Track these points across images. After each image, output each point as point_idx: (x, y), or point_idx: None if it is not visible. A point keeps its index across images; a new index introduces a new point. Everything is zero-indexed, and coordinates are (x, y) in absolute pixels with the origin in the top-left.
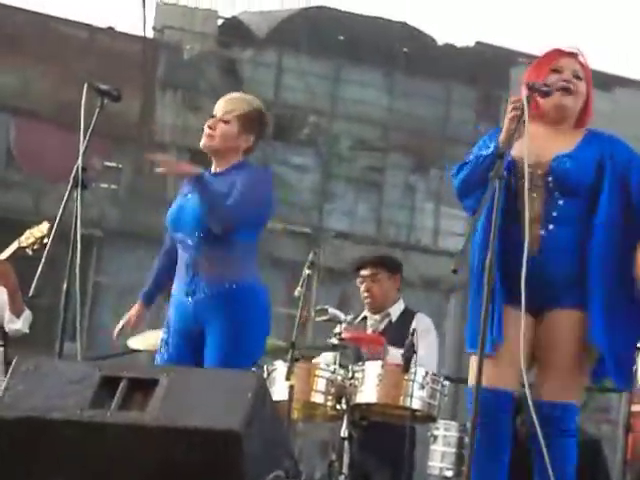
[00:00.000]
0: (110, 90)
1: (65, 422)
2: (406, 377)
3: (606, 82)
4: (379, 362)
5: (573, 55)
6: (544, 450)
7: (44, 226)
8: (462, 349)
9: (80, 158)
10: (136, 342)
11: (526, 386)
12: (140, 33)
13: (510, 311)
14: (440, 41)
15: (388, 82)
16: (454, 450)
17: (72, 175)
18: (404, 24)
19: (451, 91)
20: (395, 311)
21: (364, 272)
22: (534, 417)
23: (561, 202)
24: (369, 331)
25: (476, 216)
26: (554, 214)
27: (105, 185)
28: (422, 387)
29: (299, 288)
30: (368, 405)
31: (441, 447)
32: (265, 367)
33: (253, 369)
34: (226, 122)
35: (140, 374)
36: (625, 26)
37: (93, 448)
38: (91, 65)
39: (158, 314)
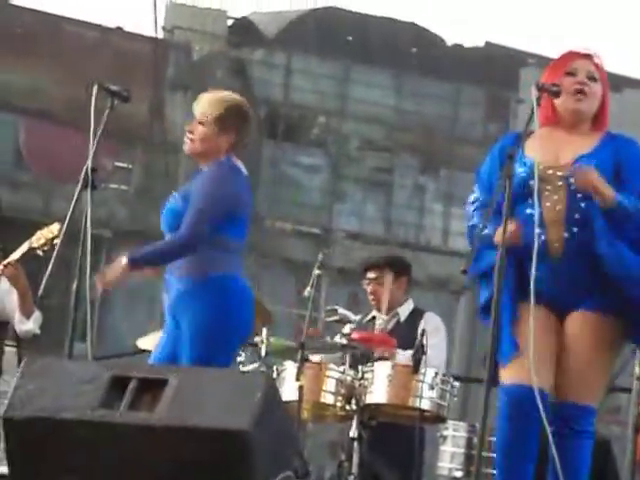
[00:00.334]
0: (120, 91)
1: (75, 422)
2: (416, 378)
3: (615, 83)
4: (389, 363)
5: (588, 57)
6: (553, 449)
7: (55, 227)
8: (471, 349)
9: (90, 159)
10: (145, 342)
11: (534, 386)
12: (149, 33)
13: (536, 311)
14: (449, 41)
15: (397, 82)
16: (463, 451)
17: (82, 176)
18: (413, 24)
19: (460, 91)
20: (404, 311)
21: (370, 274)
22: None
23: (583, 204)
24: (377, 331)
25: (487, 217)
26: (576, 216)
27: (115, 185)
28: (432, 388)
29: (309, 288)
30: (378, 405)
31: (450, 448)
32: (275, 367)
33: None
34: (203, 125)
35: (150, 374)
36: (634, 27)
37: (103, 448)
38: (101, 65)
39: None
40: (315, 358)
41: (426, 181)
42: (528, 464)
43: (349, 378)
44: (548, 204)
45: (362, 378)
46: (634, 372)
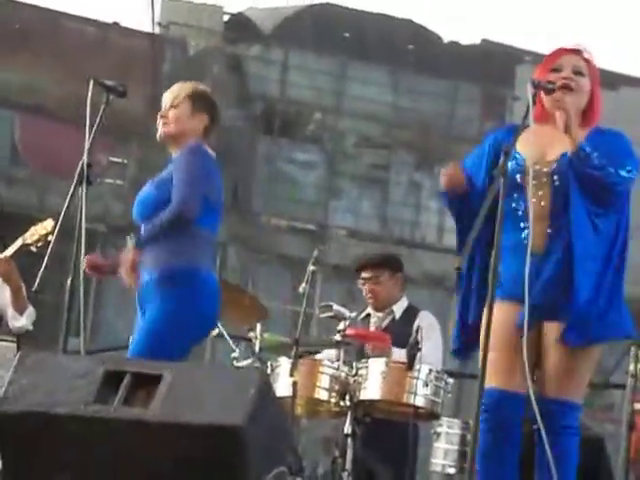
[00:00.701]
0: (116, 86)
1: (69, 417)
2: (410, 374)
3: (611, 81)
4: (383, 359)
5: (576, 52)
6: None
7: (49, 223)
8: None
9: (85, 154)
10: None
11: (529, 384)
12: (144, 29)
13: (514, 309)
14: (446, 39)
15: (393, 79)
16: (457, 447)
17: (77, 171)
18: (410, 21)
19: (456, 89)
20: (399, 309)
21: (366, 274)
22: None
23: (567, 200)
24: (372, 328)
25: (480, 214)
26: (560, 213)
27: (110, 180)
28: (426, 384)
29: (304, 285)
30: (372, 402)
31: (444, 444)
32: (269, 363)
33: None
34: (176, 107)
35: (144, 369)
36: (631, 24)
37: (96, 443)
38: (97, 61)
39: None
40: (316, 356)
41: (422, 178)
42: (505, 468)
43: (343, 374)
44: (534, 200)
45: (356, 374)
46: (628, 369)
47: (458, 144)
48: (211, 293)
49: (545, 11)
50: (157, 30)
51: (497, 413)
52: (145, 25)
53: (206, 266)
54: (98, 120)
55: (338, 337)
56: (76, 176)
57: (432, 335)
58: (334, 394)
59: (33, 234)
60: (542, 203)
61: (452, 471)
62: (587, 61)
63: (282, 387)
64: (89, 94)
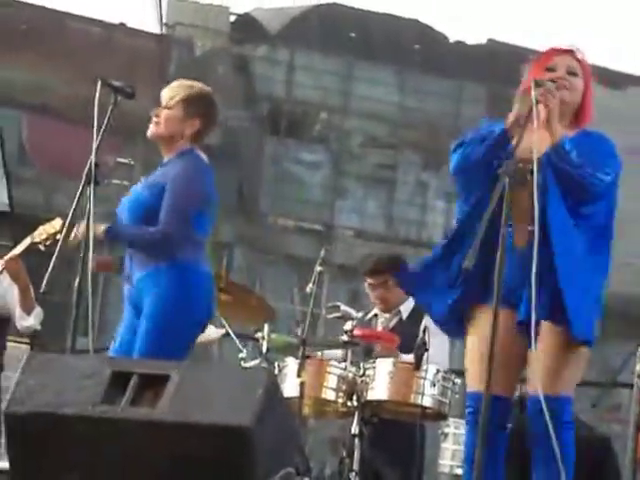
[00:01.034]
0: (124, 87)
1: (76, 417)
2: (417, 374)
3: (618, 80)
4: (390, 359)
5: (569, 52)
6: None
7: (57, 222)
8: None
9: (93, 154)
10: None
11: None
12: (150, 29)
13: (500, 312)
14: (452, 39)
15: (400, 79)
16: (464, 448)
17: (85, 171)
18: (416, 21)
19: (462, 88)
20: (406, 309)
21: (373, 280)
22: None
23: (548, 198)
24: (379, 328)
25: (485, 217)
26: (542, 210)
27: (117, 181)
28: (433, 385)
29: (310, 285)
30: (379, 402)
31: (452, 445)
32: (276, 363)
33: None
34: (170, 108)
35: (151, 370)
36: (637, 24)
37: (104, 443)
38: (103, 61)
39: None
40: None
41: (428, 178)
42: (490, 469)
43: (350, 374)
44: (518, 196)
45: (364, 375)
46: (635, 369)
47: None
48: (201, 287)
49: (551, 11)
50: (163, 31)
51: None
52: (151, 26)
53: (203, 262)
54: (106, 121)
55: (346, 337)
56: (84, 176)
57: (439, 333)
58: (341, 394)
59: (41, 233)
60: (525, 200)
61: (460, 472)
62: (580, 61)
63: (289, 387)
64: (97, 94)
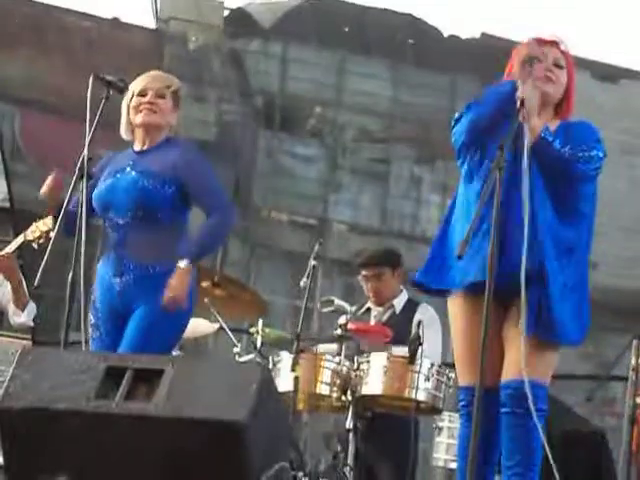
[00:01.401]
0: (116, 81)
1: (71, 412)
2: (411, 369)
3: (612, 74)
4: (384, 353)
5: (554, 43)
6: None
7: (49, 220)
8: None
9: (86, 149)
10: None
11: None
12: (144, 24)
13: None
14: (445, 33)
15: (394, 73)
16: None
17: (78, 166)
18: (410, 16)
19: (457, 82)
20: (399, 302)
21: (367, 272)
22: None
23: (534, 189)
24: (373, 322)
25: (478, 208)
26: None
27: None
28: (427, 379)
29: (304, 279)
30: (373, 397)
31: (446, 439)
32: (271, 358)
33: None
34: (164, 98)
35: (145, 364)
36: (632, 18)
37: (98, 438)
38: (96, 56)
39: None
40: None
41: (422, 172)
42: (485, 466)
43: (345, 369)
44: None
45: (358, 369)
46: (630, 363)
47: None
48: (193, 288)
49: (544, 5)
50: (157, 25)
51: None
52: (145, 20)
53: None
54: (98, 115)
55: (339, 331)
56: (77, 170)
57: (432, 327)
58: (335, 389)
59: (34, 230)
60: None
61: (454, 466)
62: (564, 53)
63: (284, 382)
64: (89, 89)
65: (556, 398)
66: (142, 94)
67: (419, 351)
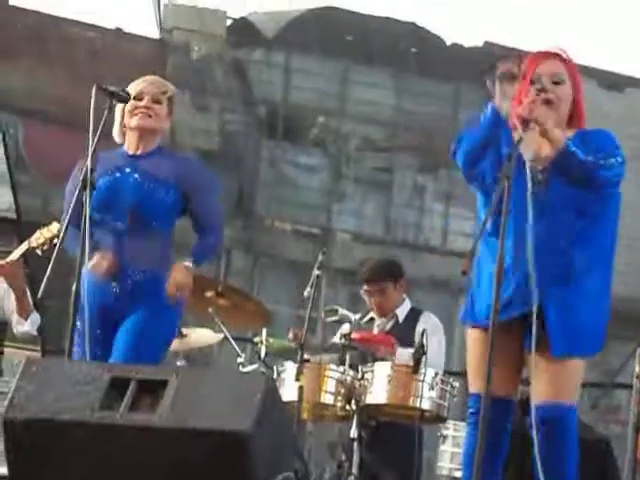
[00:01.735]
0: (119, 92)
1: (75, 424)
2: (416, 378)
3: (617, 82)
4: (388, 363)
5: (552, 57)
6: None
7: (54, 226)
8: None
9: (89, 160)
10: None
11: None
12: (147, 34)
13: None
14: (448, 41)
15: (397, 82)
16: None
17: (81, 177)
18: (413, 24)
19: (460, 91)
20: (402, 312)
21: (370, 287)
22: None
23: (548, 199)
24: (376, 331)
25: (485, 218)
26: (541, 211)
27: None
28: (432, 388)
29: (308, 289)
30: (377, 406)
31: (450, 448)
32: (275, 368)
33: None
34: (160, 103)
35: (149, 375)
36: (636, 26)
37: (103, 450)
38: (100, 66)
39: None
40: (315, 359)
41: (426, 181)
42: (488, 471)
43: (349, 378)
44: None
45: (362, 378)
46: (634, 370)
47: None
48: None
49: (547, 13)
50: (160, 35)
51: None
52: (148, 30)
53: None
54: (101, 125)
55: (344, 341)
56: (80, 181)
57: (435, 334)
58: (340, 398)
59: (39, 237)
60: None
61: (459, 474)
62: (565, 62)
63: (288, 392)
64: (92, 100)
65: None
66: (138, 98)
67: (423, 360)
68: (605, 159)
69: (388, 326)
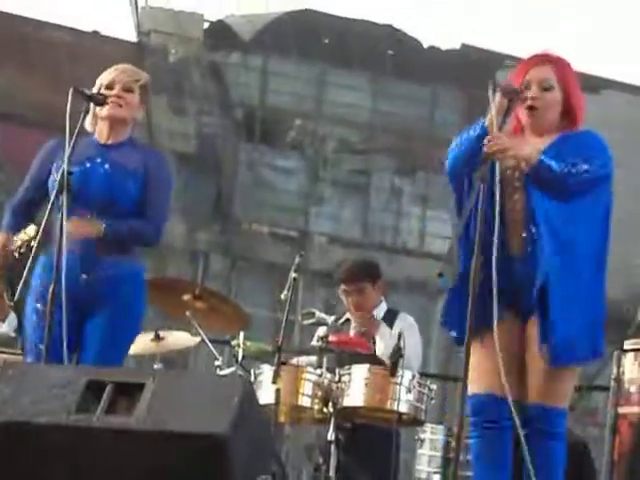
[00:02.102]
0: (95, 95)
1: (51, 426)
2: (393, 380)
3: (593, 85)
4: (366, 365)
5: (542, 62)
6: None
7: (31, 229)
8: (448, 351)
9: (66, 162)
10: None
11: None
12: (125, 37)
13: (503, 317)
14: (425, 44)
15: (374, 85)
16: (441, 454)
17: (57, 179)
18: (390, 27)
19: (437, 93)
20: (379, 312)
21: (348, 287)
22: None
23: (541, 203)
24: (352, 333)
25: (461, 220)
26: (534, 215)
27: None
28: (409, 390)
29: (285, 292)
30: (354, 408)
31: (428, 451)
32: (252, 371)
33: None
34: (132, 92)
35: (126, 378)
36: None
37: (79, 452)
38: (77, 69)
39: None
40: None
41: (403, 184)
42: (501, 472)
43: (326, 381)
44: (509, 204)
45: (339, 381)
46: (611, 373)
47: (439, 149)
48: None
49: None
50: (137, 38)
51: (484, 417)
52: (125, 33)
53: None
54: (77, 128)
55: (320, 344)
56: (57, 184)
57: (412, 335)
58: (317, 401)
59: (15, 240)
60: (517, 207)
61: (437, 478)
62: (557, 65)
63: (265, 394)
64: (69, 103)
65: None
66: (109, 87)
67: (400, 363)
68: (576, 165)
69: (365, 328)
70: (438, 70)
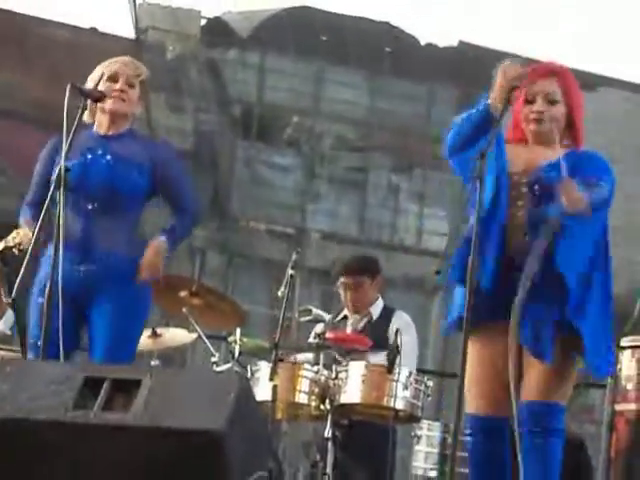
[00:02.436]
0: (92, 91)
1: (49, 423)
2: (390, 377)
3: (590, 82)
4: (363, 362)
5: (548, 75)
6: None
7: (13, 238)
8: (445, 348)
9: (62, 159)
10: None
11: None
12: (122, 34)
13: (498, 326)
14: (423, 41)
15: (371, 82)
16: (437, 450)
17: (55, 176)
18: (387, 24)
19: (434, 91)
20: (375, 310)
21: (346, 280)
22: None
23: (544, 209)
24: (349, 329)
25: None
26: (538, 221)
27: None
28: (406, 387)
29: (282, 288)
30: (351, 405)
31: (425, 447)
32: (249, 367)
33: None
34: (133, 87)
35: (123, 375)
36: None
37: (77, 449)
38: (75, 66)
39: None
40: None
41: (400, 181)
42: (498, 470)
43: (323, 378)
44: (512, 209)
45: (336, 378)
46: None
47: (435, 146)
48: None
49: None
50: (135, 35)
51: (482, 439)
52: (123, 30)
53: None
54: (75, 125)
55: (317, 340)
56: (54, 181)
57: (408, 333)
58: (314, 398)
59: (15, 237)
60: (520, 213)
61: (433, 474)
62: (562, 79)
63: (262, 391)
64: (66, 99)
65: None
66: (113, 79)
67: (397, 360)
68: (593, 187)
69: (361, 324)
70: (435, 67)
